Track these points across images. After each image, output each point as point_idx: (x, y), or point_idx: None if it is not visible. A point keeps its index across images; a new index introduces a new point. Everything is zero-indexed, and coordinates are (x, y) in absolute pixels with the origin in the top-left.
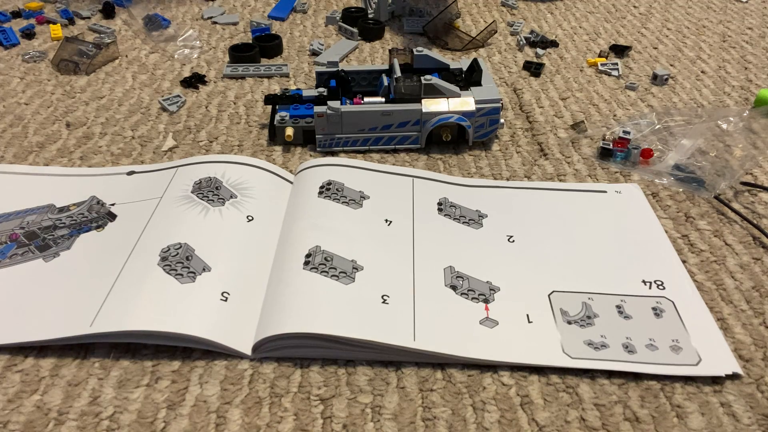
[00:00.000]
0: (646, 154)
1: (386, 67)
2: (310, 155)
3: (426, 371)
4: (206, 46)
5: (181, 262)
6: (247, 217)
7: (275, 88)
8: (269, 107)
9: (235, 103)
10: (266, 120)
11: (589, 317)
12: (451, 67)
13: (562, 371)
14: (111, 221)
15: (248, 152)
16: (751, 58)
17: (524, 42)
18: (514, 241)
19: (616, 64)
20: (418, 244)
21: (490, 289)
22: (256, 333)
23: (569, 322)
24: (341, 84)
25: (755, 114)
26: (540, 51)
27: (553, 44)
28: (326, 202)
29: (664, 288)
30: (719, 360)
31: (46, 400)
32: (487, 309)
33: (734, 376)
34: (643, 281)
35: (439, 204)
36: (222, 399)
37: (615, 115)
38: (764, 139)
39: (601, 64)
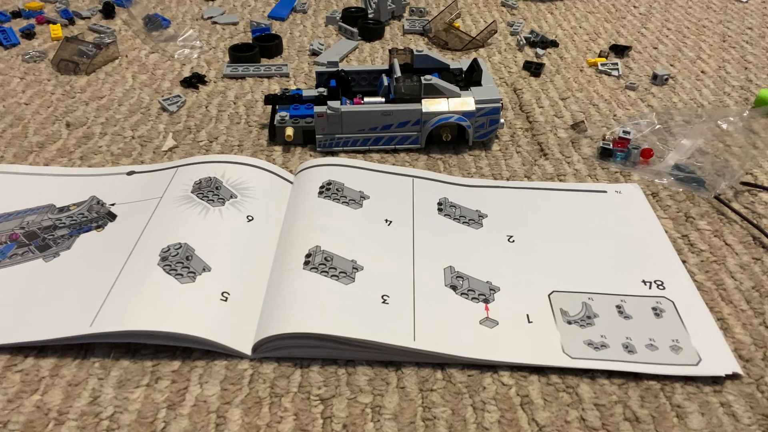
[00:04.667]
0: (646, 154)
1: (386, 67)
2: (310, 155)
3: (426, 371)
4: (206, 46)
5: (181, 262)
6: (247, 217)
7: (275, 88)
8: (269, 107)
9: (235, 103)
10: (266, 120)
11: (589, 317)
12: (451, 67)
13: (562, 371)
14: (111, 221)
15: (248, 152)
16: (751, 58)
17: (524, 42)
18: (514, 241)
19: (616, 64)
20: (418, 244)
21: (490, 289)
22: (256, 333)
23: (569, 322)
24: (341, 84)
25: (755, 114)
26: (540, 51)
27: (553, 44)
28: (326, 202)
29: (664, 288)
30: (719, 360)
31: (46, 400)
32: (487, 309)
33: (734, 376)
34: (643, 281)
35: (439, 204)
36: (222, 399)
37: (615, 115)
38: (764, 139)
39: (601, 64)
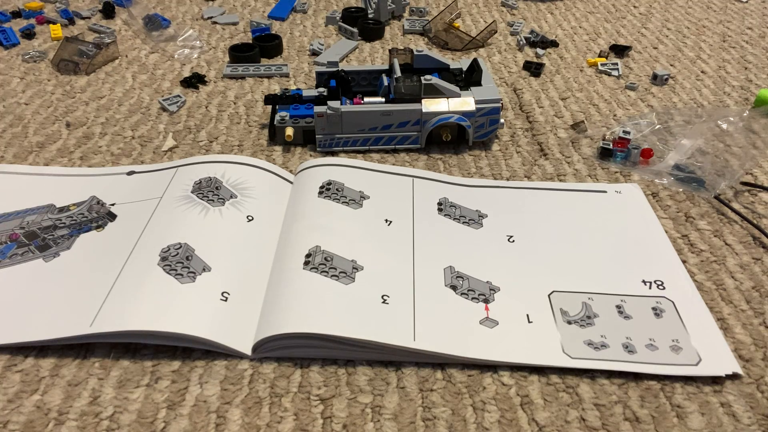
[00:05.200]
0: (646, 154)
1: (386, 67)
2: (310, 155)
3: (426, 371)
4: (206, 46)
5: (181, 262)
6: (247, 217)
7: (275, 88)
8: (269, 107)
9: (235, 103)
10: (266, 120)
11: (589, 317)
12: (451, 67)
13: (562, 371)
14: (111, 221)
15: (248, 152)
16: (751, 58)
17: (524, 42)
18: (514, 241)
19: (616, 64)
20: (418, 244)
21: (490, 289)
22: (256, 333)
23: (569, 322)
24: (341, 84)
25: (755, 114)
26: (540, 51)
27: (553, 44)
28: (326, 202)
29: (664, 288)
30: (719, 360)
31: (46, 400)
32: (487, 309)
33: (734, 376)
34: (643, 281)
35: (439, 204)
36: (222, 399)
37: (615, 115)
38: (764, 139)
39: (601, 64)
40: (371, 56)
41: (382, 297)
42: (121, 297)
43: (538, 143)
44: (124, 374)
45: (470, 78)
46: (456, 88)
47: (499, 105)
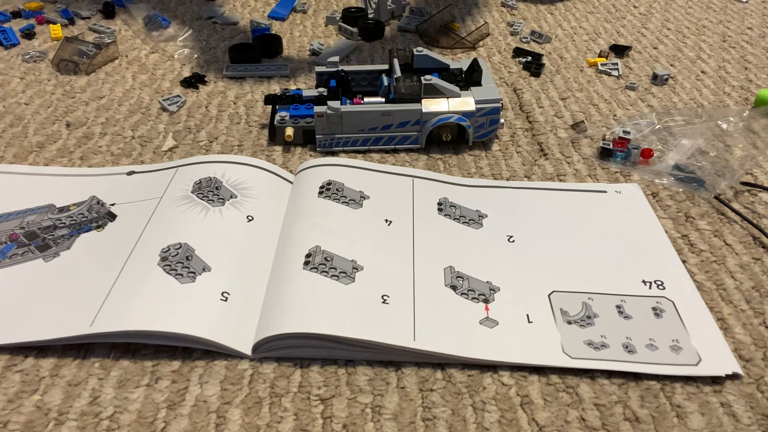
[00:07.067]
0: (646, 154)
1: (386, 67)
2: (310, 155)
3: (426, 371)
4: (206, 46)
5: (181, 262)
6: (247, 217)
7: (275, 88)
8: (269, 107)
9: (235, 103)
10: (266, 120)
11: (589, 317)
12: (451, 67)
13: (562, 371)
14: (111, 221)
15: (248, 152)
16: (751, 58)
17: (528, 39)
18: (514, 241)
19: (616, 64)
20: (418, 244)
21: (490, 289)
22: (256, 333)
23: (569, 322)
24: (341, 84)
25: (755, 114)
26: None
27: (545, 40)
28: (326, 202)
29: (664, 288)
30: (719, 360)
31: (46, 400)
32: (487, 309)
33: (734, 376)
34: (643, 281)
35: (439, 204)
36: (222, 399)
37: (615, 115)
38: (764, 139)
39: (601, 64)
40: (371, 56)
41: (382, 297)
42: (121, 297)
43: (538, 143)
44: (124, 374)
45: (470, 78)
46: (456, 88)
47: (499, 105)
